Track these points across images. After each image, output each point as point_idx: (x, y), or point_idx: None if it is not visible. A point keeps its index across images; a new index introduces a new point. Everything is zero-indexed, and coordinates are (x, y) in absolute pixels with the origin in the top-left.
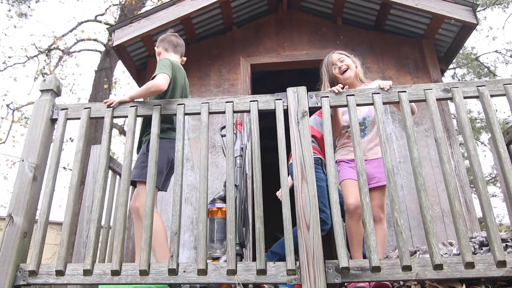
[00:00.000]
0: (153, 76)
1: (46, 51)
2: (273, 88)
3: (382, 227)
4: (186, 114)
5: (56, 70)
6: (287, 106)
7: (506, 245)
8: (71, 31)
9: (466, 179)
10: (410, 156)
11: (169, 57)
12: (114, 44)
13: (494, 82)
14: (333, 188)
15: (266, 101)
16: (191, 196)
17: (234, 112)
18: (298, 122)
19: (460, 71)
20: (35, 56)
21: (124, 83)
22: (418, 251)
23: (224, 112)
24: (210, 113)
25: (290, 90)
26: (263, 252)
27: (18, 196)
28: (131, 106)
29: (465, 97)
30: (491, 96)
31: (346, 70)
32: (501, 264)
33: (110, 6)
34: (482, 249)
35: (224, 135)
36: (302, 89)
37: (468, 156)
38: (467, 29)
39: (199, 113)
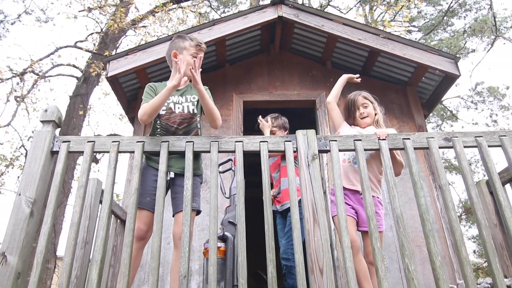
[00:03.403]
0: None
1: (20, 74)
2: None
3: None
4: (194, 151)
5: (29, 94)
6: (296, 148)
7: None
8: (48, 55)
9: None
10: (417, 202)
11: None
12: (109, 75)
13: (490, 134)
14: (345, 232)
15: (276, 142)
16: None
17: (244, 152)
18: (308, 165)
19: None
20: (8, 78)
21: (99, 110)
22: None
23: (233, 151)
24: (219, 151)
25: (299, 133)
26: None
27: (13, 233)
28: (137, 142)
29: (465, 146)
30: (489, 146)
31: (365, 117)
32: None
33: (92, 33)
34: None
35: (222, 172)
36: (312, 132)
37: (471, 204)
38: (449, 80)
39: (208, 151)
